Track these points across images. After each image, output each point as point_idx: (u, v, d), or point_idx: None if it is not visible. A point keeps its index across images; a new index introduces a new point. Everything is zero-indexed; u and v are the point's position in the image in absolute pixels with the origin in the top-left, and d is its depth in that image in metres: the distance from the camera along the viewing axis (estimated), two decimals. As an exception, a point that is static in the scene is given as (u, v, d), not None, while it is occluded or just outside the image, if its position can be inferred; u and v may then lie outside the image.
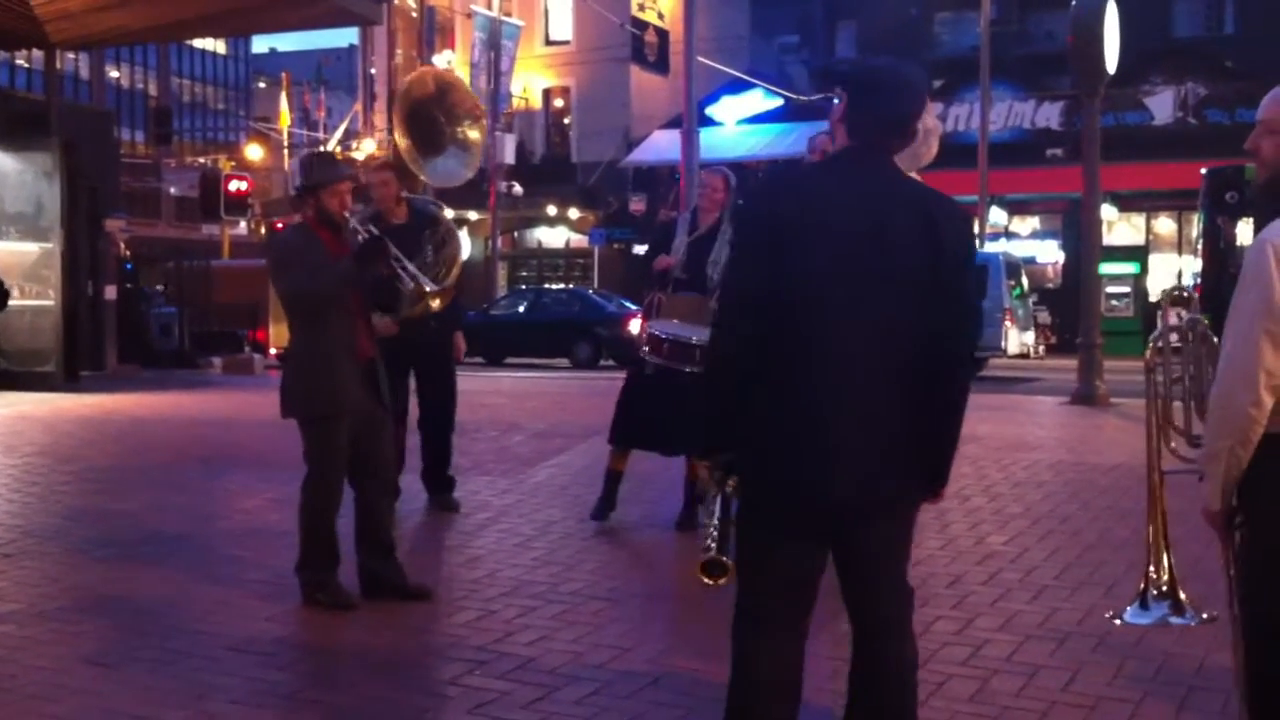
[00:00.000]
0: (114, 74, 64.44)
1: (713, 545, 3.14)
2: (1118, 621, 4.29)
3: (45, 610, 5.27)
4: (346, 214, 5.45)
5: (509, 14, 33.56)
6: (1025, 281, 27.68)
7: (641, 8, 35.07)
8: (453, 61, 33.07)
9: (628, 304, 23.26)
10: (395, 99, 7.79)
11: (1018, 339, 25.50)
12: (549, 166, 36.77)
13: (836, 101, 3.15)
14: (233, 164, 45.44)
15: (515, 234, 38.23)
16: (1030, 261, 30.32)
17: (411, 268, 5.83)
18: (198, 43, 68.44)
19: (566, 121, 37.76)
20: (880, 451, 2.99)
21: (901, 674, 3.15)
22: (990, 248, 25.11)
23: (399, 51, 39.92)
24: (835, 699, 4.07)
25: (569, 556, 6.24)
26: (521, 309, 25.99)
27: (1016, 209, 32.67)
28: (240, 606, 5.33)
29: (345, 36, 59.66)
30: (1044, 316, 29.08)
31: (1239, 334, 2.92)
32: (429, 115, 7.36)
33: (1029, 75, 31.26)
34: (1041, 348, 27.63)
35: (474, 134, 7.55)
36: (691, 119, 19.91)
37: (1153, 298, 27.07)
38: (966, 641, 4.82)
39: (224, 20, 19.72)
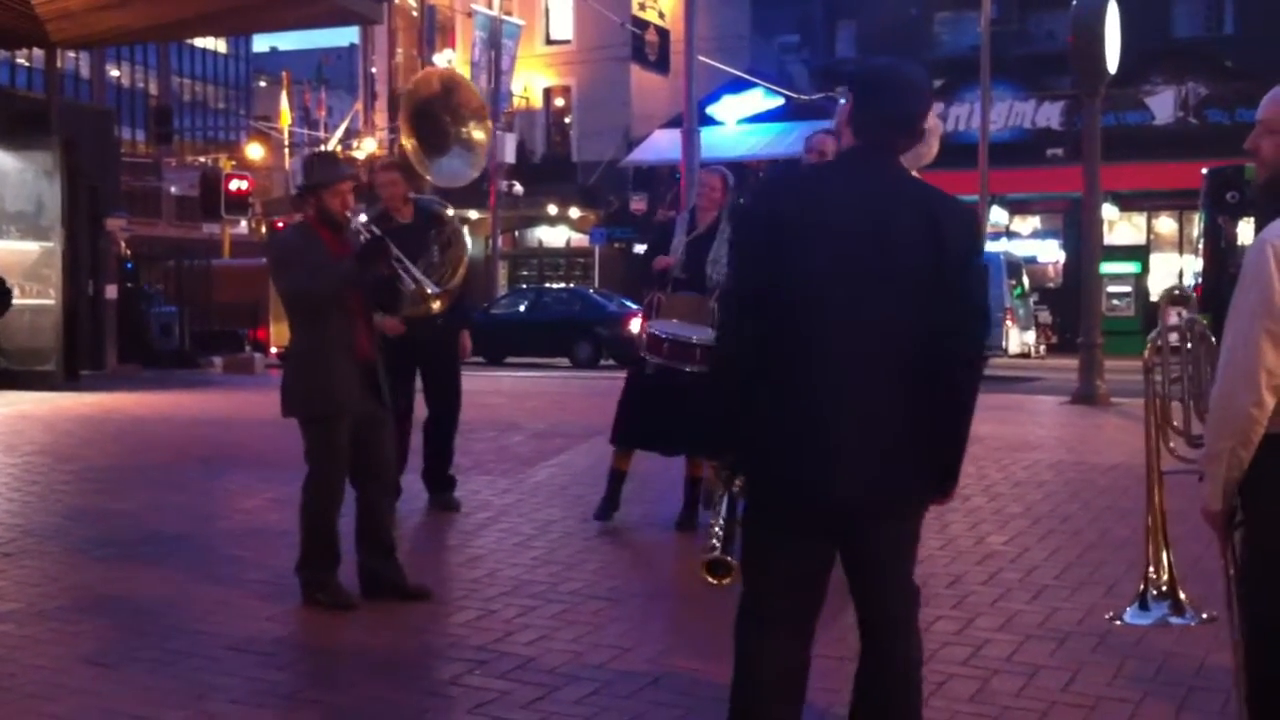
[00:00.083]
0: (114, 73, 64.43)
1: (717, 545, 3.14)
2: (1118, 622, 4.28)
3: (45, 610, 5.27)
4: (348, 214, 5.45)
5: (509, 13, 33.56)
6: (1026, 281, 27.68)
7: (642, 7, 35.06)
8: (453, 61, 33.05)
9: (628, 303, 23.26)
10: (401, 99, 7.79)
11: (1019, 339, 25.50)
12: (549, 166, 36.77)
13: (843, 102, 3.15)
14: (233, 163, 45.44)
15: (516, 233, 38.23)
16: (1031, 261, 30.34)
17: (414, 270, 5.83)
18: (198, 42, 68.39)
19: (567, 121, 37.76)
20: (882, 451, 2.98)
21: (907, 672, 3.16)
22: (991, 247, 25.12)
23: (399, 51, 39.93)
24: (830, 696, 4.07)
25: (569, 556, 6.24)
26: (522, 308, 26.00)
27: (1017, 209, 32.68)
28: (240, 606, 5.33)
29: (346, 36, 59.65)
30: (1045, 316, 29.11)
31: (1239, 334, 2.91)
32: (434, 115, 7.37)
33: (1029, 75, 31.26)
34: (1042, 347, 27.66)
35: (479, 134, 7.56)
36: (692, 118, 19.91)
37: (1154, 297, 27.06)
38: (967, 641, 4.83)
39: (224, 19, 19.73)
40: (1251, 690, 3.09)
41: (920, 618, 3.23)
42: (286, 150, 45.96)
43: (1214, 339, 3.55)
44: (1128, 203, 30.61)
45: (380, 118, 40.09)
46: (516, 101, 35.56)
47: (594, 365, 23.17)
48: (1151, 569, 3.88)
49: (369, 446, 5.39)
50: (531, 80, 37.01)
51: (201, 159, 58.48)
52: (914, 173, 3.60)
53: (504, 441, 10.05)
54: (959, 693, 4.27)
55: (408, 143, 7.20)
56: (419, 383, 7.28)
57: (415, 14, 38.57)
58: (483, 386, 14.40)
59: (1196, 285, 16.06)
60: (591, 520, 6.94)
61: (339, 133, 42.79)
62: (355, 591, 5.40)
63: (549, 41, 37.23)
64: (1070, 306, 22.66)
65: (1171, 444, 3.84)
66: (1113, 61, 13.79)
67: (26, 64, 46.12)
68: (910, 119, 3.12)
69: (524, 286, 33.24)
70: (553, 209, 36.10)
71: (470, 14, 32.06)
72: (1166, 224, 31.70)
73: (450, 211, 6.99)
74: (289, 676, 4.58)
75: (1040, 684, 4.37)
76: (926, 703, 3.29)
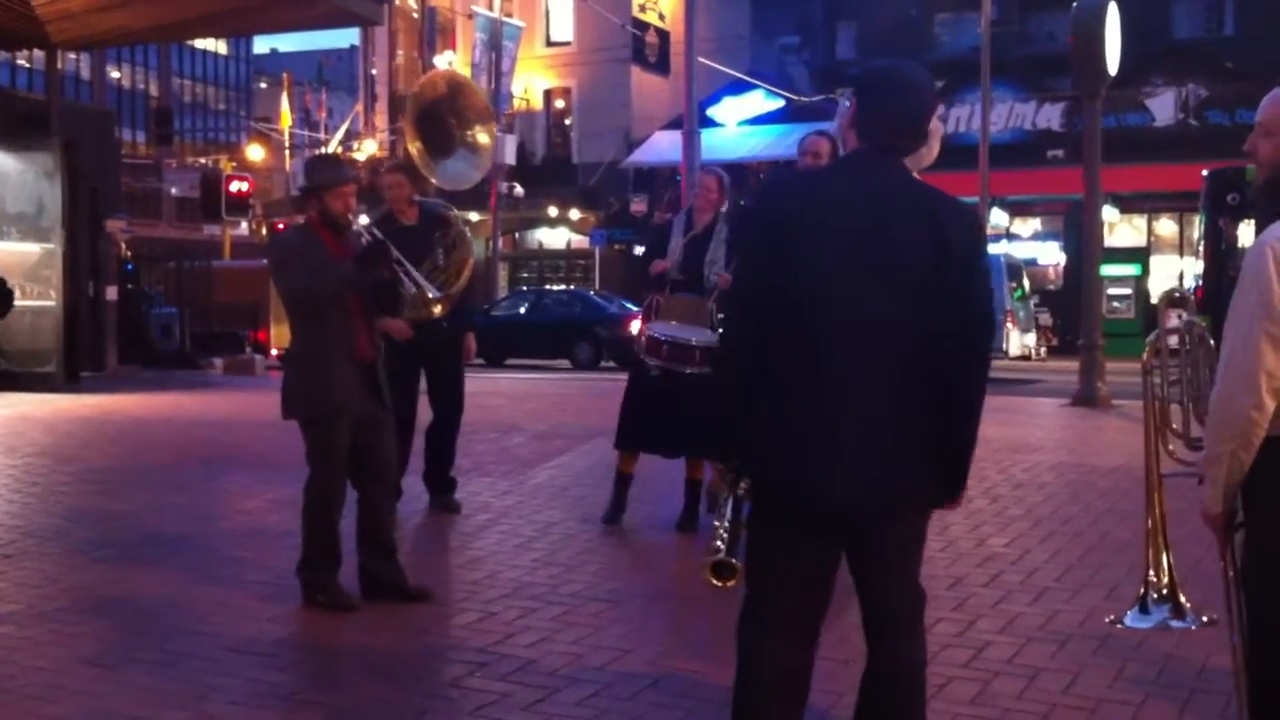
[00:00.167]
0: (115, 74, 64.49)
1: (722, 547, 3.13)
2: (1118, 625, 4.28)
3: (45, 611, 5.27)
4: (350, 216, 5.46)
5: (510, 15, 33.56)
6: (1027, 283, 27.70)
7: (642, 8, 35.09)
8: (454, 62, 33.03)
9: (629, 305, 23.26)
10: (407, 101, 7.80)
11: (1019, 341, 25.52)
12: (550, 167, 36.78)
13: (846, 104, 3.15)
14: (234, 164, 45.49)
15: (516, 235, 38.24)
16: (1031, 263, 30.36)
17: (415, 273, 5.82)
18: (199, 43, 68.48)
19: (567, 122, 37.77)
20: (884, 452, 2.98)
21: (911, 674, 3.16)
22: (991, 249, 25.10)
23: (400, 52, 39.94)
24: (831, 698, 4.07)
25: (570, 558, 6.24)
26: (522, 310, 26.00)
27: (1017, 210, 32.68)
28: (240, 608, 5.33)
29: (346, 37, 59.70)
30: (1045, 318, 29.14)
31: (1239, 336, 2.91)
32: (440, 118, 7.37)
33: (1030, 76, 31.26)
34: (1043, 349, 27.69)
35: (484, 137, 7.57)
36: (692, 120, 19.92)
37: (1154, 300, 27.06)
38: (968, 644, 4.83)
39: (225, 20, 19.74)
40: (1253, 693, 3.09)
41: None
42: (287, 152, 45.95)
43: (1213, 341, 3.55)
44: (1128, 204, 30.62)
45: (381, 119, 40.10)
46: (517, 103, 35.55)
47: (594, 367, 23.17)
48: (1152, 572, 3.88)
49: (370, 448, 5.39)
50: (532, 82, 37.02)
51: (202, 160, 58.56)
52: (914, 174, 3.60)
53: (504, 443, 10.05)
54: (960, 695, 4.27)
55: (413, 146, 7.21)
56: (423, 384, 7.29)
57: (416, 15, 38.57)
58: (483, 388, 14.39)
59: (1197, 287, 16.05)
60: (592, 522, 6.94)
61: (339, 134, 42.80)
62: (356, 593, 5.40)
63: (549, 43, 37.24)
64: (1071, 308, 22.68)
65: (1170, 446, 3.84)
66: (1113, 63, 13.79)
67: (27, 65, 46.15)
68: (915, 121, 3.11)
69: (524, 288, 33.25)
70: (553, 210, 36.11)
71: (471, 15, 32.06)
72: (1167, 226, 31.70)
73: (455, 214, 6.99)
74: (289, 678, 4.58)
75: (1041, 686, 4.37)
76: (928, 705, 3.29)
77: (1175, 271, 29.00)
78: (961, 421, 3.06)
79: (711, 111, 32.54)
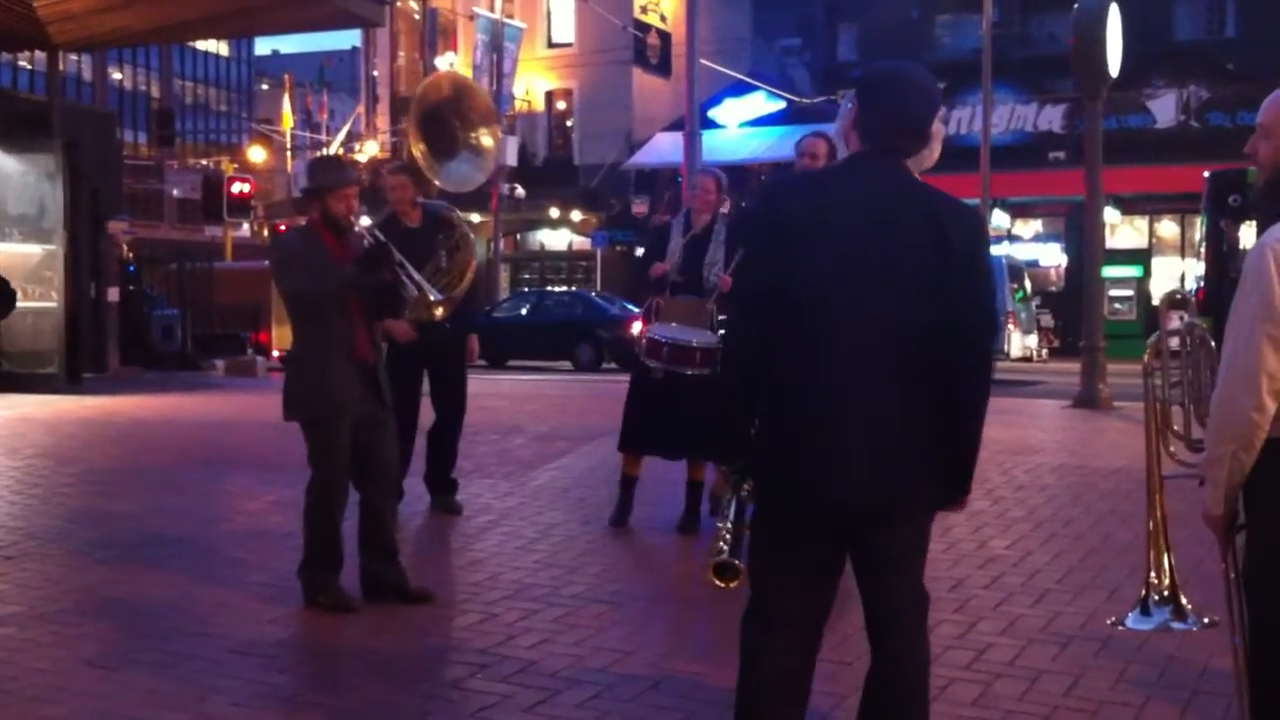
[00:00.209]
0: (116, 75, 64.50)
1: (725, 548, 3.13)
2: (1120, 627, 4.28)
3: (46, 612, 5.27)
4: (352, 218, 5.46)
5: (511, 16, 33.58)
6: (1028, 285, 27.68)
7: (644, 10, 35.10)
8: (455, 64, 33.05)
9: (630, 306, 23.25)
10: (411, 103, 7.79)
11: (1020, 342, 25.50)
12: (551, 169, 36.79)
13: (848, 106, 3.14)
14: (235, 166, 45.56)
15: (518, 236, 38.26)
16: (1033, 265, 30.37)
17: (417, 275, 5.82)
18: (200, 44, 68.48)
19: (569, 124, 37.78)
20: (884, 453, 2.97)
21: (915, 675, 3.16)
22: (993, 251, 25.08)
23: (401, 54, 39.95)
24: (833, 700, 4.07)
25: (571, 559, 6.24)
26: (524, 311, 26.00)
27: (1019, 212, 32.68)
28: (242, 609, 5.33)
29: (348, 38, 59.81)
30: (1047, 320, 29.11)
31: (1240, 338, 2.91)
32: (444, 120, 7.37)
33: (1031, 78, 31.27)
34: (1044, 351, 27.67)
35: (487, 140, 7.57)
36: (693, 121, 19.92)
37: (1155, 301, 27.07)
38: (969, 645, 4.82)
39: (226, 21, 19.72)
40: (1254, 694, 3.09)
41: (923, 620, 3.23)
42: (288, 153, 46.00)
43: (1214, 343, 3.55)
44: (1129, 206, 30.62)
45: (382, 121, 40.11)
46: (518, 104, 35.58)
47: (596, 368, 23.17)
48: (1153, 574, 3.87)
49: (371, 449, 5.39)
50: (533, 83, 37.03)
51: (203, 161, 58.61)
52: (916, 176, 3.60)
53: (506, 444, 10.05)
54: (961, 697, 4.27)
55: (417, 148, 7.21)
56: (425, 386, 7.29)
57: (417, 17, 38.60)
58: (484, 389, 14.40)
59: (1198, 289, 16.05)
60: (593, 524, 6.95)
61: (341, 135, 42.84)
62: (357, 594, 5.40)
63: (551, 44, 37.25)
64: (1072, 310, 22.64)
65: (1172, 448, 3.83)
66: (1114, 64, 13.79)
67: (28, 66, 46.15)
68: (916, 122, 3.11)
69: (526, 289, 33.24)
70: (554, 212, 36.12)
71: (472, 17, 32.09)
72: (1168, 227, 31.71)
73: (458, 216, 6.99)
74: (291, 679, 4.58)
75: (1043, 688, 4.37)
76: (930, 707, 3.29)
77: (1176, 273, 29.00)
78: (965, 423, 3.06)
79: (713, 113, 32.55)
